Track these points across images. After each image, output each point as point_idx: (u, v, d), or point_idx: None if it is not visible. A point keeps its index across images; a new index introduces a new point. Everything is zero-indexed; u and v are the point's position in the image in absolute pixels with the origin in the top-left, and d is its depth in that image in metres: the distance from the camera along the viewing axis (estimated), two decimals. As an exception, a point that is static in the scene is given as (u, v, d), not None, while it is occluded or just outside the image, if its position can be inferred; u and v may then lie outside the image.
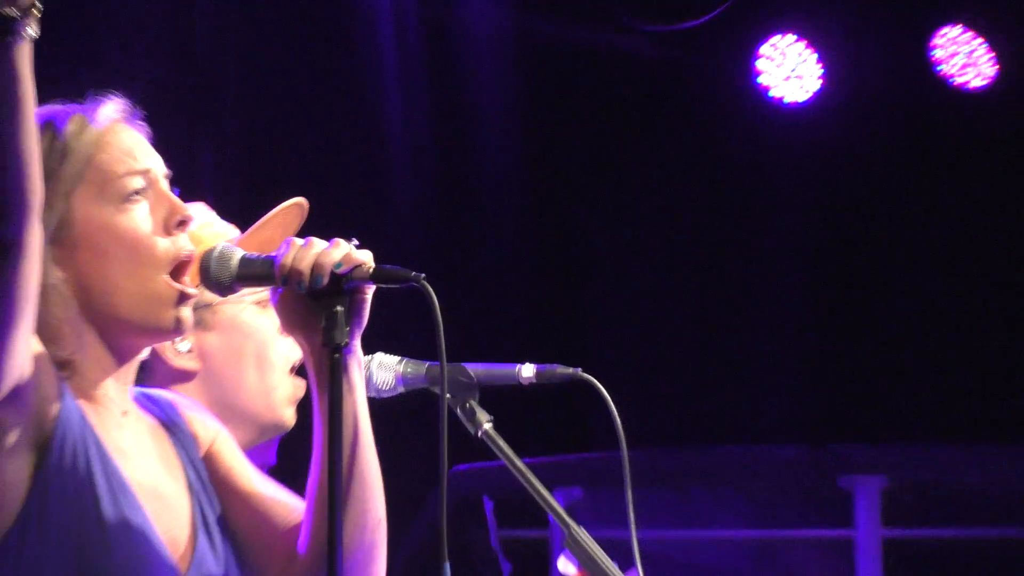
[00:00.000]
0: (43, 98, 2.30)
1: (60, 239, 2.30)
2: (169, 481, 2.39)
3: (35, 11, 2.03)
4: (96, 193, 2.34)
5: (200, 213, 2.95)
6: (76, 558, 2.26)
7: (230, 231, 2.97)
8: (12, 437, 2.22)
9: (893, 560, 6.14)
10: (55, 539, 2.25)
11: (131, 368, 2.39)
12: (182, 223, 2.37)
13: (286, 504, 2.46)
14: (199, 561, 2.35)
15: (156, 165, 2.39)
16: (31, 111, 2.07)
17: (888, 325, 7.99)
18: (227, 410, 2.91)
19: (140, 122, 2.42)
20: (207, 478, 2.44)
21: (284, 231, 2.59)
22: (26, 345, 2.18)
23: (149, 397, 2.46)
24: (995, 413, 7.53)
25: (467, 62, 7.15)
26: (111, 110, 2.39)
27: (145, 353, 2.41)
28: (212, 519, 2.41)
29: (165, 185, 2.39)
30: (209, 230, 2.91)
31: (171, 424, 2.44)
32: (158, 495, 2.35)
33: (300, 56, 6.74)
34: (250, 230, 2.81)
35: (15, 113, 2.05)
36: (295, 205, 2.80)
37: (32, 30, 2.04)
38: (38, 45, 2.09)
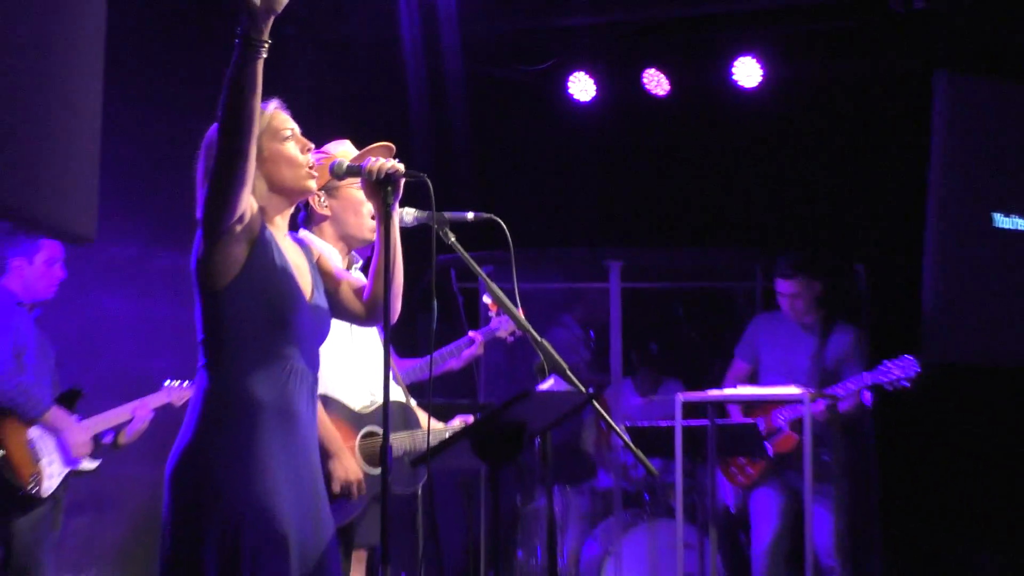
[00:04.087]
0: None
1: (258, 156, 3.47)
2: (303, 266, 3.61)
3: (267, 43, 3.16)
4: (272, 136, 3.59)
5: (344, 145, 4.36)
6: (264, 292, 3.43)
7: (352, 151, 4.28)
8: (239, 234, 3.39)
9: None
10: (257, 281, 3.43)
11: (288, 214, 3.61)
12: (308, 150, 3.61)
13: (355, 280, 3.68)
14: (316, 294, 3.59)
15: (295, 127, 3.64)
16: (259, 91, 3.25)
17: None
18: (345, 236, 4.42)
19: (287, 109, 3.70)
20: (317, 269, 3.69)
21: (381, 155, 3.69)
22: (247, 194, 3.39)
23: (293, 236, 3.69)
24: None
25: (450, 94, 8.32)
26: (275, 104, 3.67)
27: (291, 209, 3.62)
28: (319, 286, 3.63)
29: (299, 134, 3.64)
30: (345, 150, 4.28)
31: (303, 247, 3.69)
32: (300, 272, 3.60)
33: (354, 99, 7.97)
34: (360, 152, 3.92)
35: (254, 91, 3.23)
36: (386, 146, 3.82)
37: (264, 52, 3.16)
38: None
